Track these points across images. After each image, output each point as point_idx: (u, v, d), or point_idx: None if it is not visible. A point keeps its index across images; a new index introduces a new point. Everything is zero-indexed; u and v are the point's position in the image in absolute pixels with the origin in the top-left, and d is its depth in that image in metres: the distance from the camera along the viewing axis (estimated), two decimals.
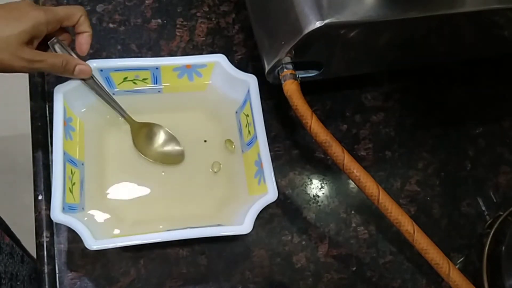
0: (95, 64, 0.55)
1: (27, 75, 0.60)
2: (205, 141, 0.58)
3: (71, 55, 0.52)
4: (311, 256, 0.56)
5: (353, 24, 0.51)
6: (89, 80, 0.54)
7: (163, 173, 0.56)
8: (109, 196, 0.53)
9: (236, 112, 0.59)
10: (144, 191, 0.54)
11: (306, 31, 0.50)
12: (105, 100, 0.55)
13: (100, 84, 0.55)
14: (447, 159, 0.63)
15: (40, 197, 0.54)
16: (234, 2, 0.68)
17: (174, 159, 0.56)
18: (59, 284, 0.51)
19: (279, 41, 0.53)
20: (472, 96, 0.68)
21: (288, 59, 0.54)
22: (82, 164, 0.54)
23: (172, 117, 0.59)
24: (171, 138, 0.57)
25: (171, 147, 0.57)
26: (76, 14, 0.52)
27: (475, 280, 0.52)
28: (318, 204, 0.58)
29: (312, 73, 0.58)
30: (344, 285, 0.55)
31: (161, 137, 0.57)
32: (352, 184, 0.59)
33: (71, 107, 0.55)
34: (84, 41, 0.53)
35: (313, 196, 0.59)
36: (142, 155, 0.56)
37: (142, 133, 0.56)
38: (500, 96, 0.68)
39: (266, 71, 0.55)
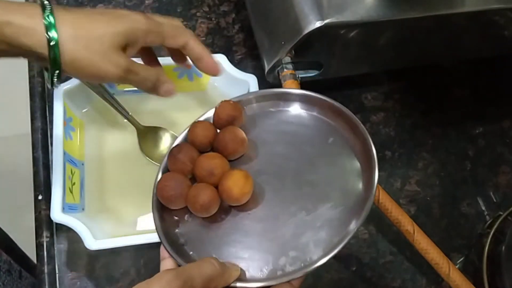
0: None
1: (27, 75, 0.61)
2: None
3: None
4: None
5: (353, 24, 0.51)
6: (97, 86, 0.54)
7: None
8: (109, 196, 0.53)
9: None
10: (144, 190, 0.54)
11: (306, 31, 0.50)
12: (111, 104, 0.55)
13: (106, 88, 0.55)
14: (447, 159, 0.63)
15: (40, 197, 0.54)
16: (234, 2, 0.68)
17: None
18: (59, 284, 0.51)
19: (279, 41, 0.53)
20: (472, 96, 0.68)
21: (288, 59, 0.54)
22: (82, 164, 0.54)
23: (172, 117, 0.59)
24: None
25: None
26: (183, 35, 0.46)
27: (475, 280, 0.52)
28: None
29: (312, 73, 0.58)
30: (344, 285, 0.55)
31: (167, 140, 0.57)
32: None
33: (71, 107, 0.55)
34: (209, 67, 0.48)
35: None
36: (149, 159, 0.56)
37: (148, 137, 0.56)
38: (500, 96, 0.68)
39: (266, 71, 0.55)
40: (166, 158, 0.45)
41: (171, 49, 0.48)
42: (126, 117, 0.56)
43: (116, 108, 0.55)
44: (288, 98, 0.48)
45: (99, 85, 0.54)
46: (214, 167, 0.42)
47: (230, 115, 0.45)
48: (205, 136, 0.45)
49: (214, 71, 0.48)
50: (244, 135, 0.45)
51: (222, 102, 0.46)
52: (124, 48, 0.42)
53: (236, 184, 0.41)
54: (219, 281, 0.37)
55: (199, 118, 0.47)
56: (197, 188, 0.42)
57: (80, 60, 0.40)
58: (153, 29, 0.44)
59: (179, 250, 0.41)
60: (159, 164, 0.55)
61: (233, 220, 0.43)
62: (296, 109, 0.48)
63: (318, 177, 0.43)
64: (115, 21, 0.42)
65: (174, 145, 0.46)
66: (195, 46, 0.47)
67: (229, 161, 0.45)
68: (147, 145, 0.56)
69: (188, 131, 0.46)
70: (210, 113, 0.47)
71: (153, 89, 0.46)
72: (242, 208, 0.43)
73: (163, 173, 0.45)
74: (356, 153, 0.43)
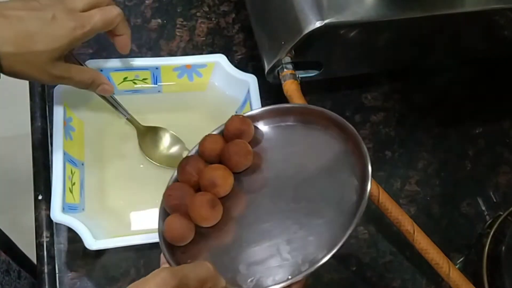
0: (95, 64, 0.55)
1: None
2: None
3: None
4: None
5: (353, 24, 0.51)
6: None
7: (164, 172, 0.56)
8: (109, 196, 0.53)
9: (236, 112, 0.59)
10: (144, 190, 0.54)
11: (306, 31, 0.50)
12: (111, 104, 0.55)
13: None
14: (447, 159, 0.63)
15: (40, 197, 0.54)
16: (234, 2, 0.68)
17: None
18: (59, 284, 0.51)
19: (279, 41, 0.53)
20: (472, 96, 0.68)
21: (288, 59, 0.54)
22: (82, 164, 0.54)
23: (172, 117, 0.59)
24: (178, 142, 0.57)
25: (178, 151, 0.57)
26: (115, 19, 0.48)
27: (475, 280, 0.52)
28: None
29: (312, 73, 0.58)
30: (344, 285, 0.55)
31: (167, 140, 0.57)
32: None
33: (71, 107, 0.55)
34: (123, 44, 0.51)
35: None
36: (149, 159, 0.56)
37: (148, 137, 0.56)
38: (500, 96, 0.68)
39: (266, 71, 0.55)
40: (176, 169, 0.47)
41: None
42: (126, 117, 0.56)
43: (116, 108, 0.55)
44: (296, 112, 0.49)
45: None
46: (217, 177, 0.44)
47: (238, 129, 0.47)
48: (213, 149, 0.47)
49: (124, 48, 0.51)
50: (249, 148, 0.46)
51: (232, 116, 0.48)
52: (61, 56, 0.46)
53: (198, 208, 0.43)
54: (212, 284, 0.37)
55: (213, 131, 0.49)
56: (169, 220, 0.43)
57: (17, 72, 0.44)
58: (89, 34, 0.46)
59: (178, 258, 0.43)
60: (159, 164, 0.55)
61: (232, 231, 0.44)
62: (304, 123, 0.49)
63: (316, 192, 0.45)
64: (56, 37, 0.44)
65: (184, 156, 0.48)
66: (121, 27, 0.50)
67: (236, 173, 0.46)
68: (147, 145, 0.56)
69: (198, 144, 0.48)
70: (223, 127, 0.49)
71: (89, 88, 0.50)
72: (241, 220, 0.44)
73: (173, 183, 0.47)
74: (355, 168, 0.44)
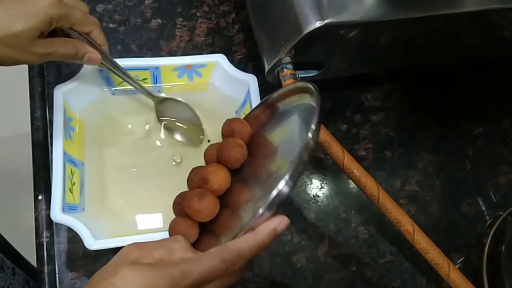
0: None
1: (27, 75, 0.61)
2: (208, 140, 0.58)
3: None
4: (311, 256, 0.56)
5: (353, 24, 0.51)
6: (105, 61, 0.53)
7: (163, 172, 0.56)
8: (109, 196, 0.53)
9: (236, 112, 0.59)
10: (144, 190, 0.54)
11: (306, 31, 0.50)
12: (123, 78, 0.54)
13: (116, 63, 0.54)
14: (447, 159, 0.63)
15: (40, 197, 0.54)
16: (234, 2, 0.68)
17: (195, 137, 0.57)
18: (59, 284, 0.51)
19: (279, 41, 0.53)
20: (472, 96, 0.68)
21: (288, 59, 0.54)
22: (82, 164, 0.54)
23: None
24: (193, 115, 0.57)
25: (193, 123, 0.58)
26: (90, 25, 0.50)
27: (475, 280, 0.52)
28: (318, 204, 0.58)
29: (312, 73, 0.58)
30: (344, 285, 0.55)
31: (185, 110, 0.57)
32: (352, 184, 0.59)
33: (71, 107, 0.55)
34: (96, 53, 0.51)
35: (313, 196, 0.59)
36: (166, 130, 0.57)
37: (166, 106, 0.57)
38: (500, 96, 0.68)
39: (266, 71, 0.55)
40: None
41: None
42: (140, 91, 0.55)
43: (131, 85, 0.55)
44: (281, 97, 0.51)
45: (109, 61, 0.53)
46: (207, 173, 0.47)
47: (229, 129, 0.50)
48: (212, 154, 0.50)
49: (95, 59, 0.51)
50: (238, 141, 0.49)
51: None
52: (41, 35, 0.46)
53: (189, 203, 0.45)
54: (182, 254, 0.39)
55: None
56: (171, 222, 0.46)
57: (1, 57, 0.45)
58: (63, 15, 0.47)
59: None
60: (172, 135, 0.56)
61: (235, 224, 0.45)
62: (291, 104, 0.50)
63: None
64: (31, 15, 0.45)
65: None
66: (98, 36, 0.51)
67: (235, 169, 0.48)
68: (164, 112, 0.57)
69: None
70: None
71: (75, 58, 0.50)
72: (243, 213, 0.46)
73: None
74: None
